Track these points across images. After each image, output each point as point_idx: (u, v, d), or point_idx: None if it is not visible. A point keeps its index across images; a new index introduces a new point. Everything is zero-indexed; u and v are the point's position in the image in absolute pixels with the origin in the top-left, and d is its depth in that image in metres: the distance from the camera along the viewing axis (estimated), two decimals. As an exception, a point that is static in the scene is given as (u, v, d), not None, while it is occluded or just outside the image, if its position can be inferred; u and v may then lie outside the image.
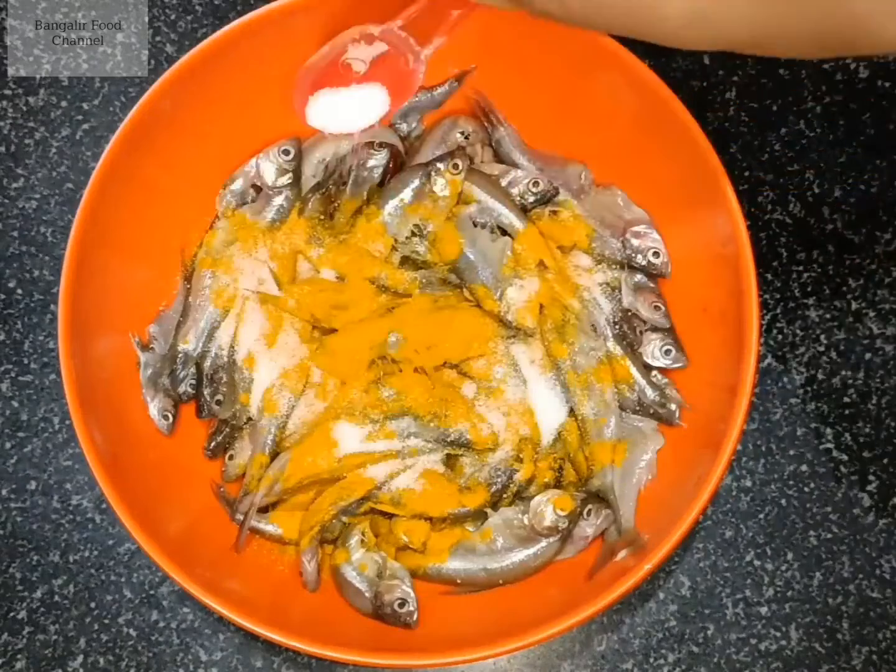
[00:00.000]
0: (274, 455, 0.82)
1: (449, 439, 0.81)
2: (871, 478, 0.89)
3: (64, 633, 0.88)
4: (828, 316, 0.93)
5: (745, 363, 0.72)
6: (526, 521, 0.79)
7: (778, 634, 0.86)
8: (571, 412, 0.82)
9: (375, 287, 0.84)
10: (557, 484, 0.82)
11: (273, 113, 0.87)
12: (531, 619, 0.71)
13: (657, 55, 0.99)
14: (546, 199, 0.86)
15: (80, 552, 0.89)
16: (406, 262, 0.86)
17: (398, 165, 0.89)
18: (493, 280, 0.83)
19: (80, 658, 0.87)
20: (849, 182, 0.96)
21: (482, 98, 0.88)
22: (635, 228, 0.84)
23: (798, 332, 0.93)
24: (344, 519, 0.81)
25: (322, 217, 0.86)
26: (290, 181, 0.85)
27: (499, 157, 0.90)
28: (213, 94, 0.82)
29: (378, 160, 0.87)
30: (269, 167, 0.85)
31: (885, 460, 0.90)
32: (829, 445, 0.90)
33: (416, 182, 0.85)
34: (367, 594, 0.78)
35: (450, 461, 0.83)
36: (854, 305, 0.93)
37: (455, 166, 0.84)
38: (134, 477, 0.76)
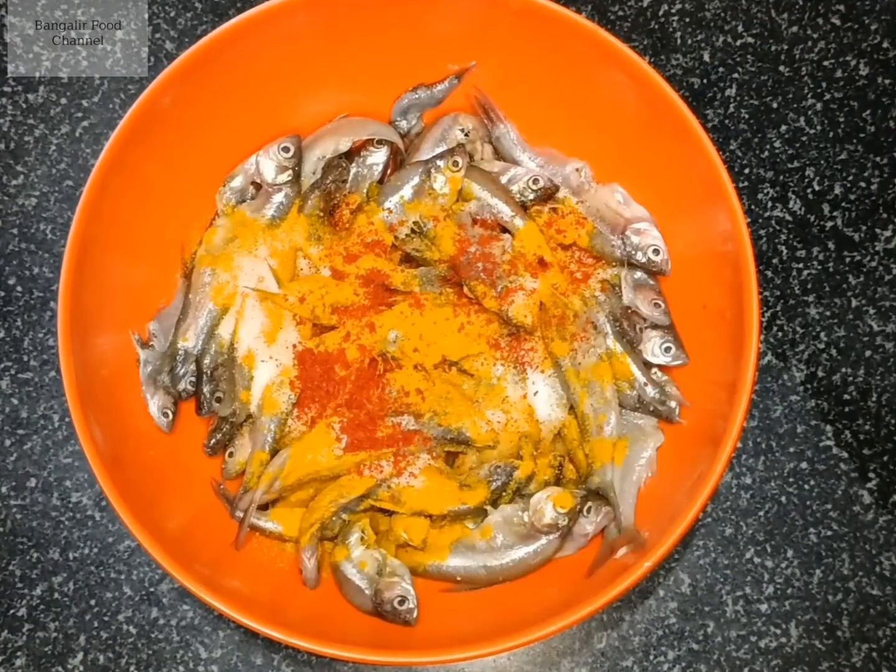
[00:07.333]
0: (274, 452, 0.82)
1: (449, 437, 0.81)
2: (871, 475, 0.89)
3: (64, 631, 0.88)
4: (828, 313, 0.93)
5: (745, 360, 0.72)
6: (526, 519, 0.79)
7: (778, 632, 0.86)
8: (571, 409, 0.82)
9: (375, 284, 0.84)
10: (557, 481, 0.82)
11: (273, 110, 0.87)
12: (531, 616, 0.71)
13: (658, 52, 0.99)
14: (546, 197, 0.86)
15: (80, 549, 0.90)
16: (406, 259, 0.86)
17: (398, 163, 0.89)
18: (493, 277, 0.82)
19: (80, 655, 0.87)
20: (849, 179, 0.96)
21: (482, 95, 0.88)
22: (635, 226, 0.84)
23: (798, 329, 0.93)
24: (344, 516, 0.81)
25: (322, 214, 0.86)
26: (289, 178, 0.85)
27: (499, 155, 0.90)
28: (213, 91, 0.82)
29: (378, 157, 0.87)
30: (268, 164, 0.85)
31: (885, 457, 0.90)
32: (829, 443, 0.90)
33: (416, 179, 0.85)
34: (366, 591, 0.78)
35: (449, 458, 0.83)
36: (854, 303, 0.93)
37: (455, 163, 0.84)
38: (134, 474, 0.76)
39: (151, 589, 0.88)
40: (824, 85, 0.98)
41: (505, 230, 0.86)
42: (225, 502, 0.83)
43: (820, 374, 0.92)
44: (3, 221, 0.97)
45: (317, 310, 0.83)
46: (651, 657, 0.86)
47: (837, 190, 0.96)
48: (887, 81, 0.98)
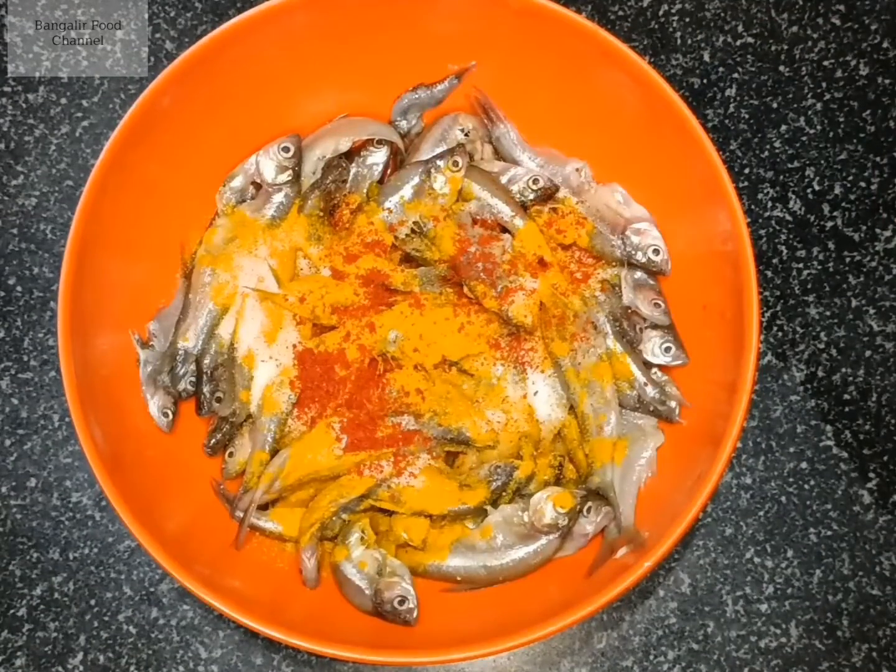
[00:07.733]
0: (274, 452, 0.82)
1: (449, 437, 0.81)
2: (871, 475, 0.89)
3: (64, 631, 0.88)
4: (828, 313, 0.93)
5: (745, 360, 0.72)
6: (526, 519, 0.79)
7: (778, 632, 0.86)
8: (571, 409, 0.82)
9: (375, 284, 0.84)
10: (557, 481, 0.82)
11: (273, 110, 0.87)
12: (531, 616, 0.71)
13: (658, 52, 0.99)
14: (546, 196, 0.86)
15: (80, 549, 0.90)
16: (406, 259, 0.86)
17: (398, 163, 0.89)
18: (493, 277, 0.82)
19: (80, 655, 0.87)
20: (849, 179, 0.96)
21: (482, 95, 0.88)
22: (635, 225, 0.84)
23: (798, 329, 0.93)
24: (344, 516, 0.81)
25: (322, 214, 0.86)
26: (289, 178, 0.85)
27: (499, 155, 0.90)
28: (213, 91, 0.82)
29: (378, 157, 0.87)
30: (268, 164, 0.85)
31: (885, 457, 0.90)
32: (829, 443, 0.90)
33: (416, 179, 0.85)
34: (367, 591, 0.78)
35: (449, 458, 0.83)
36: (854, 303, 0.93)
37: (455, 163, 0.84)
38: (133, 474, 0.76)
39: (151, 589, 0.88)
40: (824, 85, 0.98)
41: (505, 230, 0.86)
42: (225, 502, 0.83)
43: (820, 374, 0.92)
44: (3, 221, 0.97)
45: (317, 310, 0.83)
46: (651, 657, 0.86)
47: (837, 190, 0.96)
48: (887, 81, 0.98)
